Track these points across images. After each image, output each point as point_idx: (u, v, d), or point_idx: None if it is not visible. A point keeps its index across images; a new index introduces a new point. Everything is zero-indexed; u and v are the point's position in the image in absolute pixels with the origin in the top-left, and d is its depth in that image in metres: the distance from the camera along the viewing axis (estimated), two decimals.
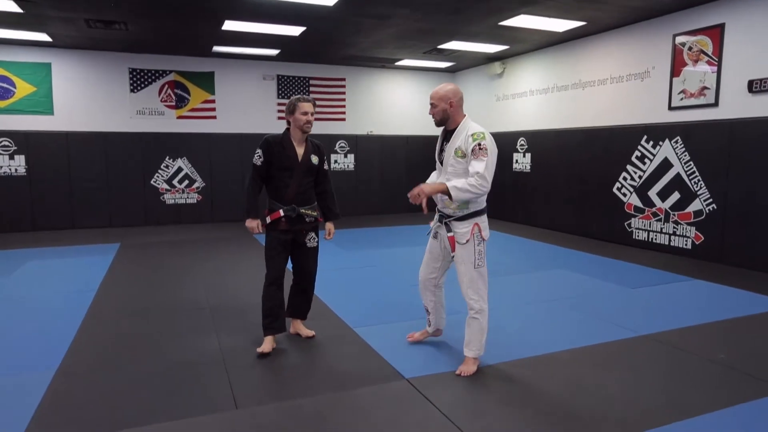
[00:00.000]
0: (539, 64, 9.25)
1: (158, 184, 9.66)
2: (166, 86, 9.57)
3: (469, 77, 11.25)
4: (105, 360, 3.40)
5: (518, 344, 3.66)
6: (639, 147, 7.20)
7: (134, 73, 9.38)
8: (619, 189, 7.56)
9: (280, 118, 10.35)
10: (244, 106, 10.13)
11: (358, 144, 11.02)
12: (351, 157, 10.96)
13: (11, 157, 8.79)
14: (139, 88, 9.43)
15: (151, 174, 9.61)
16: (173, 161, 9.71)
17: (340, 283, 5.37)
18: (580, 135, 8.27)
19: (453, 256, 3.09)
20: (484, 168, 2.74)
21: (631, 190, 7.36)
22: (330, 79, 10.70)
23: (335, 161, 10.80)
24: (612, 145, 7.66)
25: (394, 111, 11.40)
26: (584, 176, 8.18)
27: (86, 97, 9.19)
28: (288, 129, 3.49)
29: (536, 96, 9.38)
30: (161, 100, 9.58)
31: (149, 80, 9.47)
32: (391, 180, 11.28)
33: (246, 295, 4.87)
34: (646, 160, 7.11)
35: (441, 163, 3.10)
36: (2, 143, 8.72)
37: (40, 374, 3.14)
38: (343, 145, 10.85)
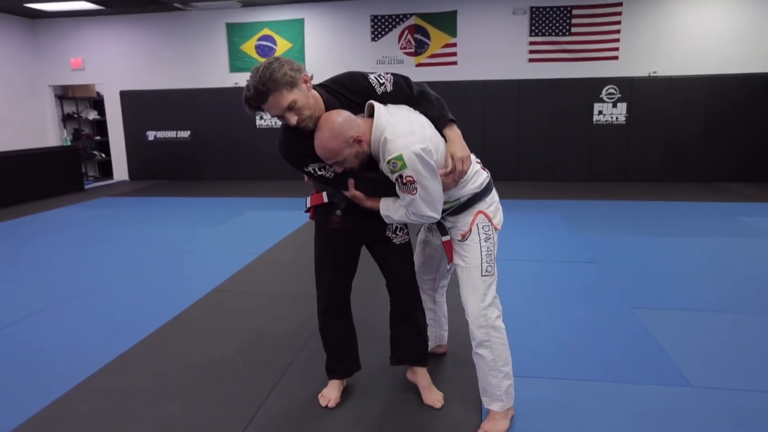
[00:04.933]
0: None
1: None
2: (406, 31, 8.86)
3: None
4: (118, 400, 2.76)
5: None
6: None
7: (375, 20, 8.93)
8: None
9: (531, 60, 8.61)
10: (489, 49, 8.71)
11: (633, 89, 8.44)
12: (622, 107, 8.49)
13: None
14: (379, 36, 8.97)
15: None
16: None
17: (523, 287, 3.78)
18: None
19: (449, 268, 2.31)
20: (416, 207, 1.93)
21: None
22: (599, 6, 8.32)
23: (599, 111, 8.52)
24: None
25: (692, 44, 8.29)
26: None
27: (331, 50, 9.19)
28: None
29: None
30: (400, 47, 8.95)
31: (389, 26, 8.90)
32: (680, 138, 8.39)
33: None
34: None
35: None
36: None
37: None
38: (612, 91, 8.45)
